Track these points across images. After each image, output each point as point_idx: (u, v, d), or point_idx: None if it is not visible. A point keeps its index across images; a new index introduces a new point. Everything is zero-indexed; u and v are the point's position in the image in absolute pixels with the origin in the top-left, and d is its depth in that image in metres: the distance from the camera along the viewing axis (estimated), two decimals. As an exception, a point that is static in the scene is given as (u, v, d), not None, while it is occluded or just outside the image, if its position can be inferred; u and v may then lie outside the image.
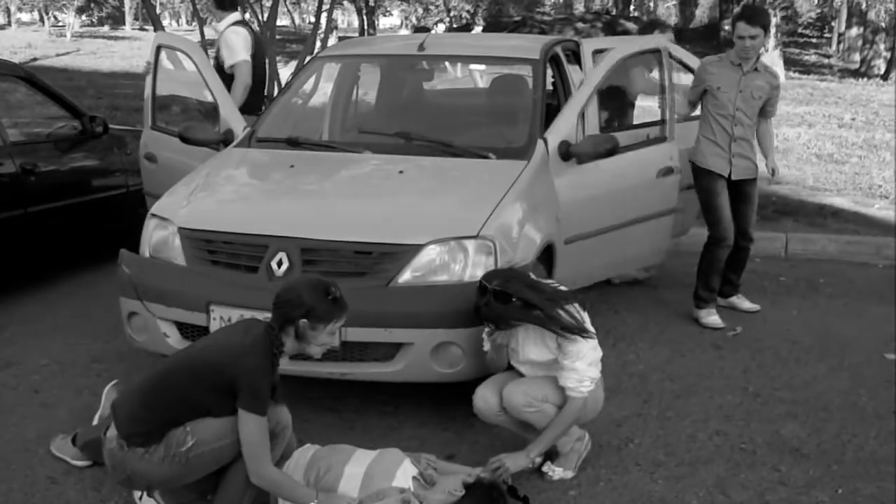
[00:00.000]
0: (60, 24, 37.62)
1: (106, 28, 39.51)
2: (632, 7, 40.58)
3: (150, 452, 3.07)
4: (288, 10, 30.73)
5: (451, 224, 4.02)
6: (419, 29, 25.99)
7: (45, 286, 6.14)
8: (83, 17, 39.34)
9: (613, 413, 4.27)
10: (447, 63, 7.81)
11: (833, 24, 36.10)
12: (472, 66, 8.37)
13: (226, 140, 5.27)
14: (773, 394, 4.64)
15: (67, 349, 5.04)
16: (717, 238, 5.71)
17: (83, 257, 6.50)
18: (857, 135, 13.16)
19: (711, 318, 5.66)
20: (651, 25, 7.72)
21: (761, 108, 5.65)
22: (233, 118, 5.43)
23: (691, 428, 4.23)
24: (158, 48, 5.98)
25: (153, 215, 4.39)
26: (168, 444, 3.07)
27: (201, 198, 4.48)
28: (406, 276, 3.89)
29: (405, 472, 3.34)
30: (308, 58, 8.45)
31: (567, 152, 4.81)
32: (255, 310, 3.76)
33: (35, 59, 22.95)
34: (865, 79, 22.84)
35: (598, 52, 6.05)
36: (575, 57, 6.01)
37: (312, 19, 14.29)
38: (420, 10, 31.80)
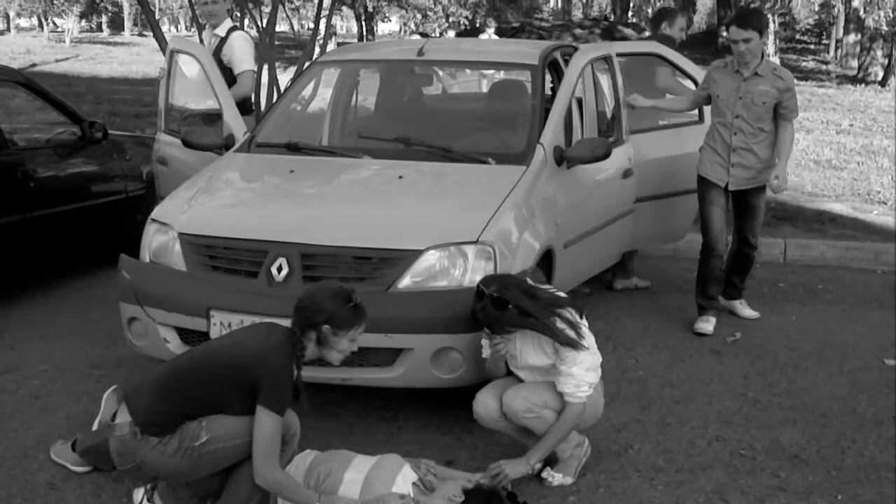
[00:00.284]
0: (59, 29, 37.64)
1: (105, 33, 39.56)
2: (629, 13, 40.67)
3: (163, 443, 3.09)
4: (287, 16, 30.71)
5: (450, 229, 4.03)
6: (421, 34, 26.02)
7: (45, 291, 6.14)
8: (82, 23, 39.38)
9: (613, 419, 4.28)
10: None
11: (831, 30, 36.16)
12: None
13: (227, 145, 5.28)
14: (772, 400, 4.64)
15: (67, 354, 5.04)
16: (707, 247, 5.67)
17: (83, 263, 6.50)
18: (856, 141, 13.18)
19: (701, 324, 5.63)
20: (659, 16, 7.53)
21: (777, 112, 5.43)
22: (235, 123, 5.46)
23: (691, 434, 4.23)
24: (172, 52, 6.03)
25: (153, 220, 4.39)
26: (182, 437, 3.09)
27: (201, 203, 4.48)
28: (406, 282, 3.89)
29: (405, 478, 3.34)
30: (307, 63, 8.47)
31: (561, 157, 4.83)
32: (255, 315, 3.77)
33: (34, 65, 22.98)
34: (863, 85, 22.86)
35: (596, 59, 6.07)
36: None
37: (311, 25, 14.30)
38: (419, 16, 31.81)
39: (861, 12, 25.52)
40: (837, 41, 32.30)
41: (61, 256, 6.31)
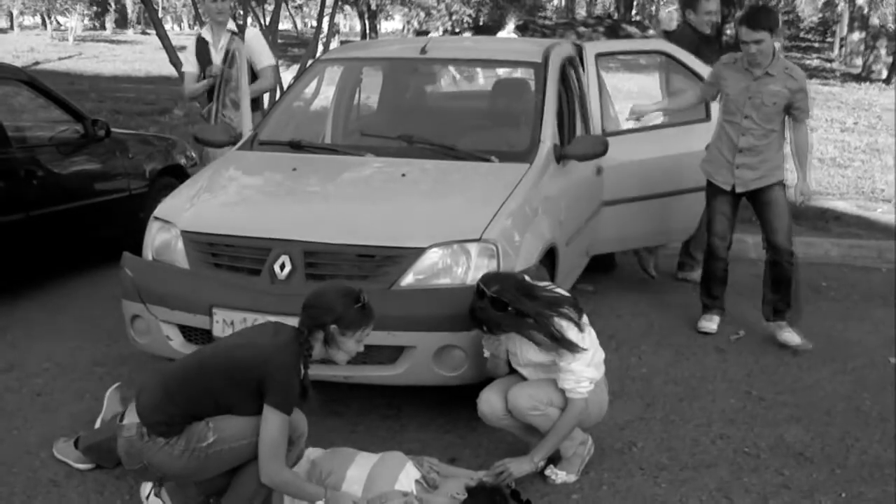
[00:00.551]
0: (63, 27, 37.68)
1: (108, 31, 39.60)
2: (633, 11, 40.65)
3: (170, 444, 3.08)
4: (290, 14, 30.72)
5: (453, 227, 4.02)
6: (420, 33, 26.00)
7: (48, 289, 6.14)
8: (85, 21, 39.42)
9: (616, 416, 4.27)
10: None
11: (835, 28, 36.11)
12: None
13: (235, 141, 5.29)
14: (776, 397, 4.63)
15: (69, 352, 5.04)
16: (708, 249, 5.55)
17: (85, 260, 6.50)
18: (860, 139, 13.17)
19: (704, 322, 5.59)
20: (684, 1, 7.36)
21: (790, 113, 5.18)
22: (245, 120, 5.51)
23: (694, 432, 4.22)
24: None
25: (156, 218, 4.39)
26: (189, 438, 3.08)
27: (204, 201, 4.48)
28: (409, 280, 3.88)
29: (408, 476, 3.34)
30: (310, 61, 8.46)
31: (560, 155, 4.84)
32: (257, 313, 3.77)
33: (37, 63, 23.01)
34: (867, 83, 22.85)
35: (600, 56, 6.06)
36: (577, 61, 6.00)
37: (314, 23, 14.29)
38: (422, 15, 31.80)
39: (865, 10, 25.49)
40: (842, 39, 32.27)
41: (64, 254, 6.31)
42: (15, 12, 43.66)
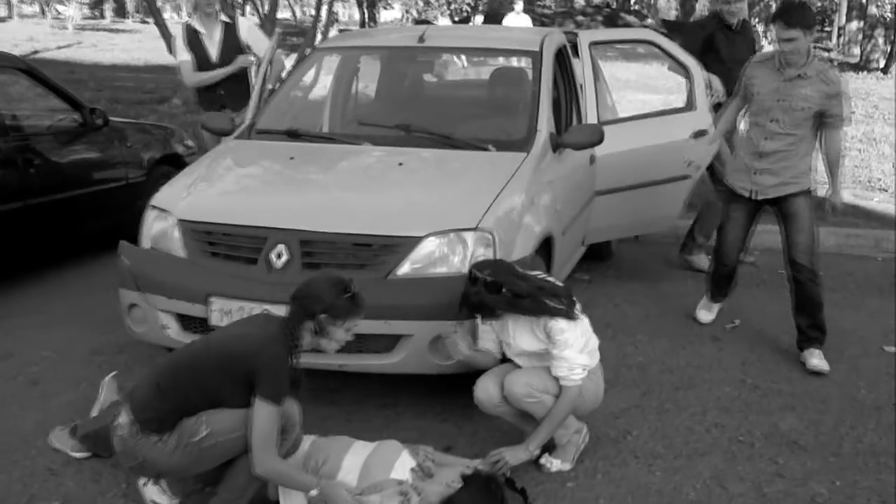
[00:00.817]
0: (62, 16, 37.56)
1: (107, 20, 39.50)
2: (632, 0, 40.55)
3: (163, 440, 3.09)
4: (289, 3, 30.71)
5: (450, 216, 4.02)
6: (419, 22, 25.90)
7: (45, 278, 6.15)
8: (84, 10, 39.30)
9: (612, 405, 4.28)
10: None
11: (833, 17, 36.06)
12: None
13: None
14: (771, 386, 4.65)
15: (66, 340, 5.05)
16: (716, 255, 5.36)
17: (83, 249, 6.51)
18: (857, 128, 13.14)
19: (701, 311, 5.58)
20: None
21: (821, 119, 4.78)
22: (250, 109, 5.56)
23: (689, 420, 4.24)
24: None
25: (153, 207, 4.39)
26: (181, 434, 3.09)
27: (201, 189, 4.48)
28: (405, 269, 3.89)
29: (403, 464, 3.35)
30: (308, 50, 8.46)
31: (557, 144, 4.84)
32: (254, 301, 3.78)
33: (36, 52, 22.92)
34: (865, 72, 22.81)
35: (595, 45, 6.06)
36: (573, 49, 6.00)
37: (313, 12, 14.26)
38: (421, 3, 31.72)
39: (864, 0, 25.46)
40: (840, 28, 32.24)
41: (62, 243, 6.32)
42: (14, 1, 43.54)
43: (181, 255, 4.15)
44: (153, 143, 7.18)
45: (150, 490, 3.38)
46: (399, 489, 3.21)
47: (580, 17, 30.32)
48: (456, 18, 26.33)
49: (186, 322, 4.09)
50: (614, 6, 33.45)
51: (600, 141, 4.96)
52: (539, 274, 3.79)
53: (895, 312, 5.87)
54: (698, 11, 34.65)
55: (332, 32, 16.12)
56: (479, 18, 17.85)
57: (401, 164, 4.59)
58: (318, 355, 3.58)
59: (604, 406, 4.01)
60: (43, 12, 40.23)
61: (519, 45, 5.74)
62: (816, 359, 4.87)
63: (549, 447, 3.74)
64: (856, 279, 6.69)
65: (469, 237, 3.96)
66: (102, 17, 41.11)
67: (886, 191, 9.36)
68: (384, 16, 37.80)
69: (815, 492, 3.62)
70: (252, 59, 6.35)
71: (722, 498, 3.57)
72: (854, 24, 27.55)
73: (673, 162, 5.82)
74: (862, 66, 24.31)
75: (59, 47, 25.00)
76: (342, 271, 3.73)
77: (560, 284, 3.73)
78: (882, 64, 24.01)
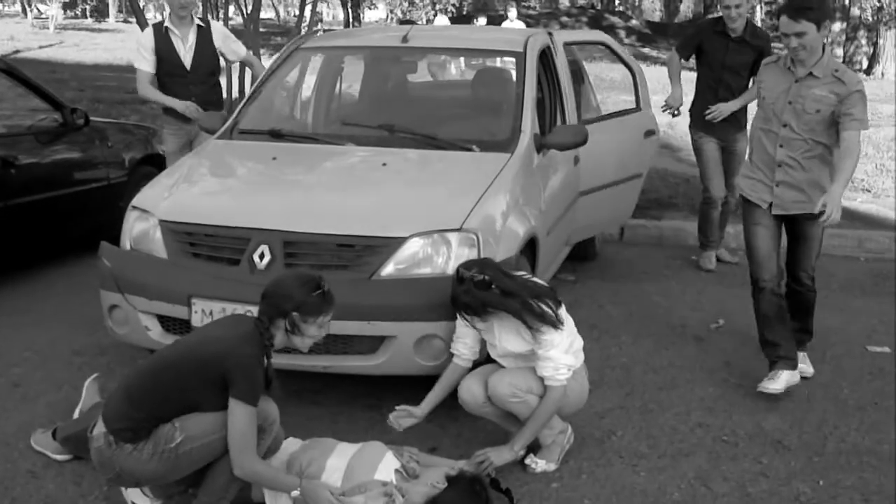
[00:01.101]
0: (43, 16, 37.37)
1: (90, 20, 39.28)
2: (616, 1, 40.67)
3: (138, 449, 3.06)
4: (272, 3, 30.66)
5: (434, 217, 4.01)
6: (403, 22, 25.84)
7: (26, 279, 6.10)
8: (67, 12, 39.10)
9: (596, 405, 4.28)
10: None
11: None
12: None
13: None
14: (754, 386, 4.65)
15: (48, 342, 5.01)
16: (754, 282, 4.67)
17: (64, 250, 6.46)
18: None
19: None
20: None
21: (839, 121, 4.28)
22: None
23: (674, 420, 4.24)
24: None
25: (134, 207, 4.36)
26: (156, 441, 3.06)
27: (182, 190, 4.45)
28: (389, 269, 3.88)
29: (387, 465, 3.34)
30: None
31: (541, 144, 4.84)
32: (236, 303, 3.76)
33: (18, 52, 22.78)
34: (848, 73, 22.90)
35: (568, 45, 6.10)
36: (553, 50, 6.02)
37: (297, 12, 14.23)
38: (405, 4, 31.70)
39: (846, 1, 25.57)
40: (823, 29, 32.31)
41: (43, 244, 6.27)
42: (-5, 0, 43.26)
43: (163, 256, 4.13)
44: (135, 143, 7.13)
45: (132, 492, 3.36)
46: (383, 490, 3.19)
47: (564, 18, 30.38)
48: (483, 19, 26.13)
49: (168, 323, 4.07)
50: (598, 7, 33.51)
51: (584, 142, 4.95)
52: (524, 274, 3.79)
53: (878, 312, 5.89)
54: (682, 13, 34.81)
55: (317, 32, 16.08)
56: (482, 20, 17.78)
57: (384, 164, 4.58)
58: (302, 357, 3.58)
59: (588, 406, 4.00)
60: (24, 11, 39.98)
61: (503, 45, 5.73)
62: (801, 363, 4.73)
63: (534, 448, 3.74)
64: (839, 279, 6.71)
65: (453, 238, 3.95)
66: (85, 16, 40.92)
67: (870, 191, 9.41)
68: (368, 16, 37.77)
69: (799, 491, 3.63)
70: (194, 114, 6.03)
71: (706, 497, 3.57)
72: (837, 26, 27.66)
73: (630, 162, 5.88)
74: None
75: (40, 47, 24.84)
76: (326, 272, 3.71)
77: (545, 285, 3.73)
78: (865, 65, 24.13)
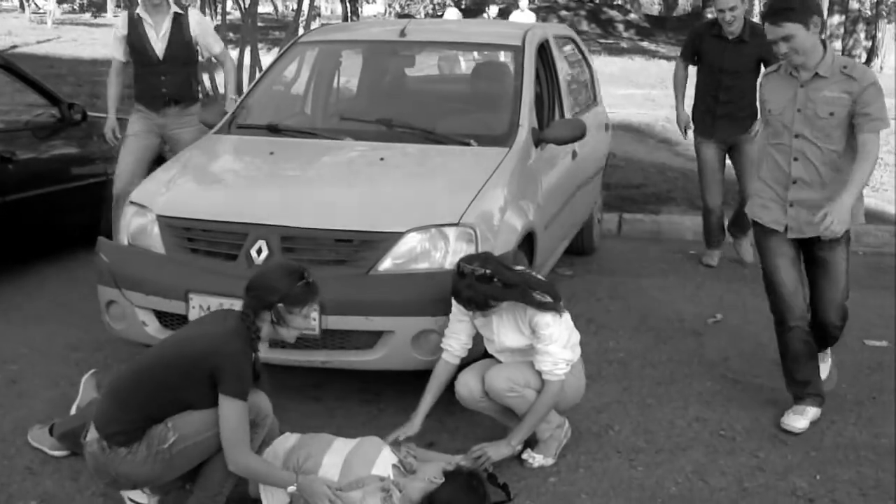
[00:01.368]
0: (41, 11, 37.28)
1: (87, 15, 39.21)
2: (615, -5, 40.54)
3: (132, 452, 3.05)
4: (270, -3, 30.68)
5: (431, 212, 4.01)
6: (401, 16, 25.80)
7: (23, 274, 6.09)
8: (64, 5, 39.01)
9: (594, 400, 4.28)
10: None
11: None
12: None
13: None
14: (752, 380, 4.66)
15: (45, 338, 5.00)
16: (778, 319, 4.23)
17: (62, 245, 6.45)
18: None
19: (788, 418, 4.17)
20: None
21: (854, 124, 3.85)
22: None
23: (671, 414, 4.24)
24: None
25: (131, 203, 4.36)
26: (150, 442, 3.05)
27: (180, 185, 4.45)
28: (386, 264, 3.88)
29: (385, 460, 3.34)
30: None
31: (539, 138, 4.84)
32: (234, 298, 3.74)
33: (15, 47, 22.72)
34: (847, 67, 22.88)
35: (556, 38, 6.13)
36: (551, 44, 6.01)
37: (295, 6, 14.21)
38: (403, -2, 31.68)
39: (845, -6, 25.58)
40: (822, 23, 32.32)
41: (40, 239, 6.26)
42: (-8, -4, 43.14)
43: (160, 251, 4.12)
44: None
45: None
46: (380, 485, 3.19)
47: (563, 12, 30.32)
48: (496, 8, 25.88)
49: (165, 319, 4.07)
50: (597, 1, 33.45)
51: (582, 136, 4.95)
52: (522, 269, 3.79)
53: (876, 307, 5.89)
54: (681, 6, 34.75)
55: (314, 27, 16.06)
56: (493, 10, 17.68)
57: (382, 159, 4.57)
58: (300, 352, 3.58)
59: (585, 401, 4.01)
60: (22, 6, 39.89)
61: (501, 39, 5.73)
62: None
63: (531, 442, 3.74)
64: (837, 273, 6.70)
65: (451, 233, 3.95)
66: (82, 11, 40.83)
67: (868, 185, 9.38)
68: (367, 10, 37.71)
69: (796, 485, 3.63)
70: (112, 140, 6.08)
71: (703, 492, 3.57)
72: (835, 19, 27.64)
73: (596, 157, 5.89)
74: (843, 60, 24.39)
75: (38, 42, 24.80)
76: (323, 267, 3.72)
77: (543, 279, 3.73)
78: (864, 59, 24.12)
